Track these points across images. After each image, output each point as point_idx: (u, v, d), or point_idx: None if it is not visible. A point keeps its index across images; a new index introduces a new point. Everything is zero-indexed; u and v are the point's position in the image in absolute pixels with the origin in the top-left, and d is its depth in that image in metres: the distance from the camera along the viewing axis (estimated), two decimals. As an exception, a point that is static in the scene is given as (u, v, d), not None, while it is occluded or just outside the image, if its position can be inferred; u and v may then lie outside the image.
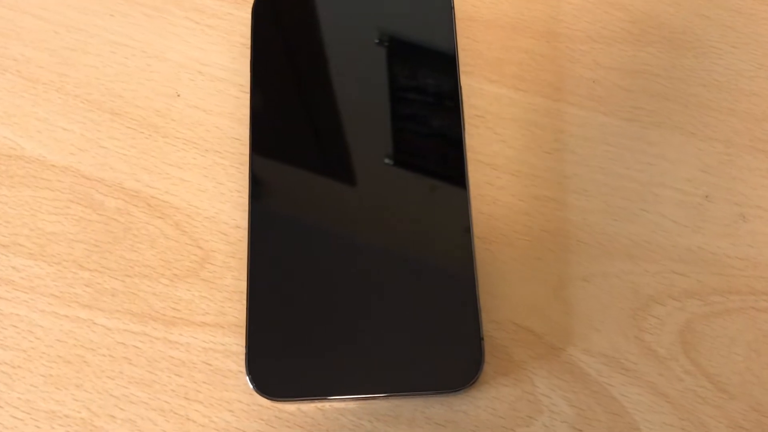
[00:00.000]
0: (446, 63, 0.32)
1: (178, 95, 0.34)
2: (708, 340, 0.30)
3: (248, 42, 0.34)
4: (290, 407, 0.29)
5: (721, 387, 0.29)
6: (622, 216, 0.31)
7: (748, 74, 0.33)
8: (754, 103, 0.33)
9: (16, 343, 0.30)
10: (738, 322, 0.30)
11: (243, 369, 0.29)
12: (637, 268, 0.30)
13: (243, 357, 0.29)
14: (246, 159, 0.33)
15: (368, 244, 0.30)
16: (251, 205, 0.30)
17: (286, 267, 0.29)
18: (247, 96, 0.33)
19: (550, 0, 0.35)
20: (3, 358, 0.30)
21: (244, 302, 0.30)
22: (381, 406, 0.29)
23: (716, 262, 0.31)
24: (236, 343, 0.30)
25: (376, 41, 0.33)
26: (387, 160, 0.31)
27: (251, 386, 0.28)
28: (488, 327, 0.30)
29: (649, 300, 0.30)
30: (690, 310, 0.30)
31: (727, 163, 0.32)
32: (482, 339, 0.28)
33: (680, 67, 0.34)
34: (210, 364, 0.30)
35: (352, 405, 0.29)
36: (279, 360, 0.28)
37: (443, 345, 0.28)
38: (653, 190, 0.32)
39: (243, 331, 0.30)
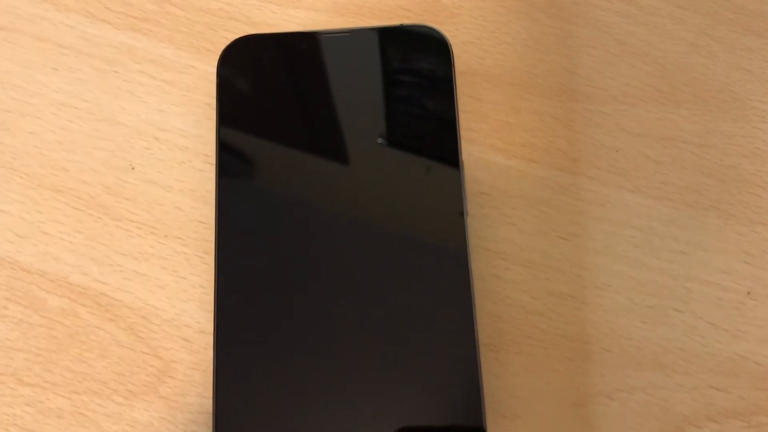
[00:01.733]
0: (446, 130, 0.27)
1: (132, 168, 0.29)
2: (751, 469, 0.25)
3: (213, 101, 0.29)
4: None
5: None
6: (651, 317, 0.27)
7: (796, 142, 0.29)
8: (804, 178, 0.28)
9: (-56, 476, 0.26)
10: (786, 447, 0.26)
11: (210, 508, 0.25)
12: (668, 381, 0.26)
13: (210, 493, 0.25)
14: (212, 247, 0.28)
15: (354, 341, 0.25)
16: (217, 305, 0.26)
17: (260, 381, 0.25)
18: (213, 169, 0.29)
19: (565, 51, 0.30)
20: (-72, 498, 0.26)
21: (211, 425, 0.25)
22: None
23: (761, 375, 0.26)
24: (202, 475, 0.26)
25: (362, 102, 0.28)
26: (379, 247, 0.26)
27: None
28: (496, 455, 0.26)
29: (683, 421, 0.26)
30: (730, 432, 0.26)
31: (773, 253, 0.28)
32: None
33: (717, 132, 0.29)
34: (172, 499, 0.26)
35: None
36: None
37: None
38: (687, 284, 0.27)
39: (210, 461, 0.25)
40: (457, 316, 0.25)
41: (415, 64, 0.28)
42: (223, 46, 0.29)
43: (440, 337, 0.25)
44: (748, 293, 0.27)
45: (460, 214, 0.26)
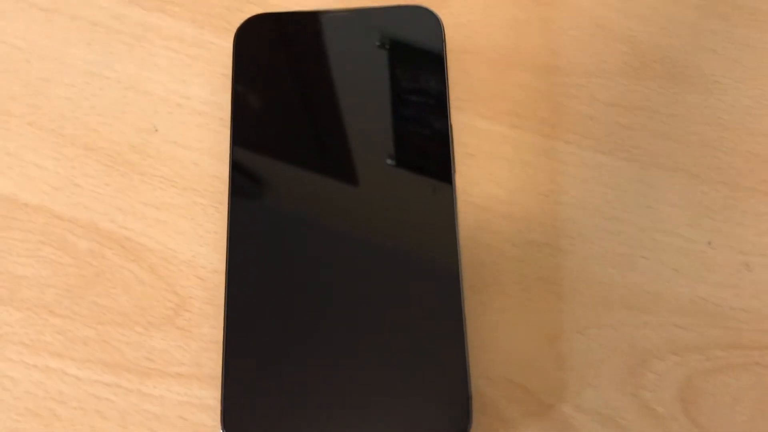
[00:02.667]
0: (437, 98, 0.31)
1: (156, 130, 0.33)
2: (710, 398, 0.28)
3: (230, 73, 0.33)
4: (268, 467, 0.28)
5: (722, 450, 0.27)
6: (621, 264, 0.30)
7: (755, 112, 0.32)
8: (761, 143, 0.31)
9: (-18, 394, 0.29)
10: (742, 379, 0.28)
11: (218, 424, 0.28)
12: (635, 320, 0.29)
13: (219, 411, 0.28)
14: (226, 199, 0.31)
15: (351, 293, 0.28)
16: (229, 248, 0.29)
17: (264, 317, 0.28)
18: (227, 131, 0.32)
19: (547, 32, 0.33)
20: (-33, 412, 0.29)
21: (221, 353, 0.28)
22: (364, 466, 0.28)
23: (719, 315, 0.29)
24: (212, 397, 0.29)
25: (363, 74, 0.31)
26: (374, 200, 0.29)
27: (226, 444, 0.26)
28: (478, 383, 0.28)
29: (648, 354, 0.29)
30: (691, 366, 0.28)
31: (732, 208, 0.30)
32: (470, 397, 0.26)
33: (683, 103, 0.32)
34: (185, 419, 0.28)
35: (333, 465, 0.28)
36: (256, 416, 0.27)
37: (429, 403, 0.27)
38: (653, 236, 0.30)
39: (219, 383, 0.28)
40: (445, 264, 0.28)
41: (411, 39, 0.32)
42: (237, 24, 0.32)
43: (427, 282, 0.28)
44: (709, 243, 0.30)
45: (449, 173, 0.30)
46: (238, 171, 0.30)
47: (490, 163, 0.31)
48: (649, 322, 0.29)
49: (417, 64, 0.31)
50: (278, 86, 0.31)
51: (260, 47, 0.32)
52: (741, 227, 0.30)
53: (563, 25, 0.34)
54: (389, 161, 0.30)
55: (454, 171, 0.30)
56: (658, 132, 0.32)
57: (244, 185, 0.30)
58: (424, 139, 0.30)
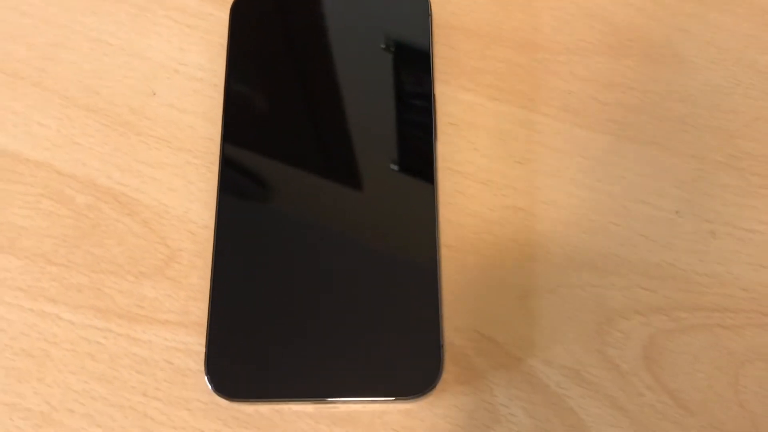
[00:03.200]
0: (421, 69, 0.32)
1: (154, 94, 0.34)
2: (671, 357, 0.29)
3: (224, 42, 0.34)
4: (248, 408, 0.29)
5: (681, 404, 0.29)
6: (592, 229, 0.31)
7: (725, 90, 0.33)
8: (730, 120, 0.33)
9: (-20, 334, 0.31)
10: (702, 339, 0.29)
11: (202, 368, 0.29)
12: (603, 281, 0.30)
13: (203, 356, 0.29)
14: (217, 159, 0.33)
15: (331, 248, 0.30)
16: (218, 205, 0.30)
17: (249, 270, 0.29)
18: (222, 96, 0.33)
19: (530, 10, 0.35)
20: (-34, 349, 0.30)
21: (207, 302, 0.30)
22: (339, 410, 0.29)
23: (684, 279, 0.30)
24: (198, 343, 0.30)
25: (352, 45, 0.33)
26: (356, 163, 0.31)
27: (209, 386, 0.28)
28: (451, 335, 0.30)
29: (614, 314, 0.30)
30: (655, 326, 0.30)
31: (700, 180, 0.32)
32: (442, 347, 0.28)
33: (657, 81, 0.34)
34: (171, 363, 0.30)
35: (309, 408, 0.29)
36: (238, 361, 0.28)
37: (403, 352, 0.28)
38: (624, 204, 0.31)
39: (204, 330, 0.30)
40: (422, 223, 0.30)
41: (399, 15, 0.33)
42: (237, -3, 0.34)
43: (405, 239, 0.30)
44: (677, 212, 0.31)
45: (430, 139, 0.31)
46: (229, 135, 0.31)
47: (471, 132, 0.33)
48: (616, 284, 0.30)
49: (405, 38, 0.33)
50: (270, 56, 0.33)
51: (255, 19, 0.34)
52: (708, 197, 0.31)
53: (545, 4, 0.35)
54: (375, 128, 0.32)
55: (436, 138, 0.31)
56: (632, 107, 0.33)
57: (234, 149, 0.31)
58: (408, 108, 0.32)
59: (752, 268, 0.30)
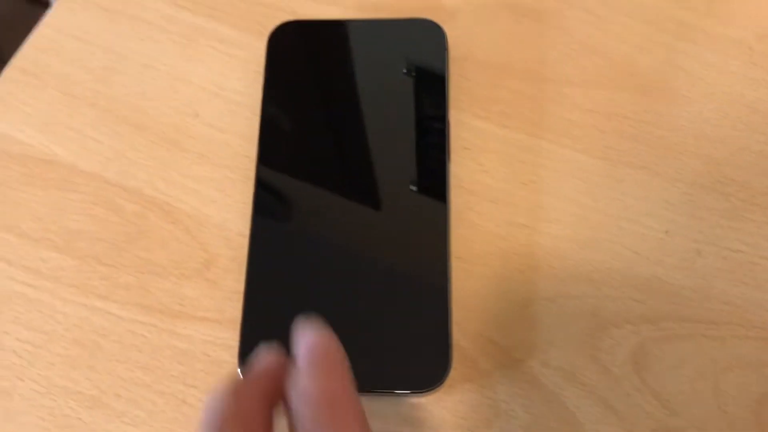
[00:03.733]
0: (438, 96, 0.36)
1: (197, 115, 0.38)
2: (658, 362, 0.32)
3: (263, 70, 0.38)
4: (275, 398, 0.33)
5: (666, 404, 0.32)
6: (588, 245, 0.34)
7: (713, 122, 0.37)
8: (717, 149, 0.36)
9: (39, 325, 0.34)
10: (687, 347, 0.33)
11: (236, 360, 0.32)
12: (598, 292, 0.34)
13: (237, 350, 0.32)
14: (253, 174, 0.36)
15: (354, 257, 0.33)
16: (253, 216, 0.34)
17: (279, 274, 0.33)
18: (258, 118, 0.37)
19: (537, 45, 0.39)
20: (27, 338, 0.34)
21: (241, 302, 0.33)
22: (357, 402, 0.32)
23: (671, 292, 0.33)
24: (232, 338, 0.34)
25: (376, 74, 0.37)
26: (377, 181, 0.35)
27: (241, 377, 0.31)
28: (459, 337, 0.33)
29: (607, 322, 0.33)
30: (643, 334, 0.33)
31: (688, 203, 0.35)
32: (450, 347, 0.31)
33: (651, 112, 0.37)
34: (208, 355, 0.33)
35: (330, 399, 0.32)
36: (268, 355, 0.32)
37: (416, 351, 0.31)
38: (618, 223, 0.35)
39: (238, 327, 0.33)
40: (436, 236, 0.33)
41: (417, 46, 0.37)
42: (270, 29, 0.38)
43: (421, 250, 0.33)
44: (666, 232, 0.35)
45: (443, 162, 0.35)
46: (263, 155, 0.35)
47: (482, 155, 0.36)
48: (609, 295, 0.33)
49: (423, 68, 0.37)
50: (301, 82, 0.37)
51: (289, 49, 0.38)
52: (695, 219, 0.35)
53: (551, 40, 0.39)
54: (395, 149, 0.35)
55: (449, 159, 0.35)
56: (627, 135, 0.36)
57: (268, 167, 0.35)
58: (425, 132, 0.35)
59: (734, 284, 0.33)
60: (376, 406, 0.32)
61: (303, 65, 0.37)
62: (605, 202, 0.35)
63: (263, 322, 0.32)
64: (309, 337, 0.24)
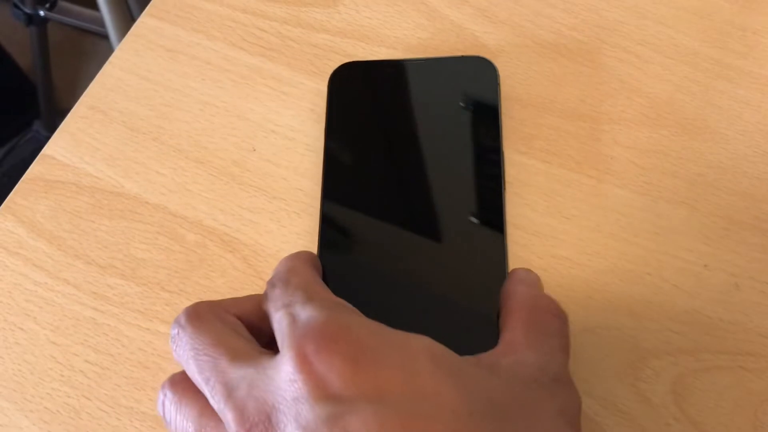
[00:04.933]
0: (492, 130, 0.38)
1: (254, 150, 0.40)
2: (697, 393, 0.33)
3: (315, 108, 0.40)
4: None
5: (705, 434, 0.33)
6: (628, 278, 0.36)
7: (751, 159, 0.38)
8: (755, 186, 0.37)
9: (106, 348, 0.36)
10: (725, 379, 0.34)
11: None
12: (637, 324, 0.35)
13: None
14: (307, 207, 0.38)
15: (416, 285, 0.35)
16: (319, 251, 0.35)
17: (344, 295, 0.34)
18: (312, 153, 0.39)
19: (578, 84, 0.40)
20: (95, 360, 0.36)
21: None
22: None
23: (710, 325, 0.34)
24: (286, 363, 0.35)
25: (433, 111, 0.39)
26: (437, 213, 0.36)
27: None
28: (502, 366, 0.34)
29: (647, 353, 0.34)
30: (683, 365, 0.34)
31: (726, 237, 0.36)
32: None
33: (690, 149, 0.38)
34: (263, 379, 0.35)
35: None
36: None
37: None
38: (658, 257, 0.36)
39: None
40: (494, 267, 0.35)
41: (471, 82, 0.39)
42: (325, 70, 0.40)
43: (479, 278, 0.34)
44: (705, 266, 0.36)
45: (500, 193, 0.36)
46: (328, 191, 0.37)
47: (524, 190, 0.38)
48: (649, 327, 0.35)
49: (478, 103, 0.38)
50: (361, 119, 0.39)
51: (349, 88, 0.40)
52: (734, 254, 0.36)
53: (593, 80, 0.40)
54: (455, 181, 0.37)
55: (504, 191, 0.36)
56: (667, 171, 0.38)
57: (331, 201, 0.37)
58: (481, 165, 0.37)
59: (772, 317, 0.34)
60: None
61: (363, 103, 0.40)
62: (645, 237, 0.36)
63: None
64: None
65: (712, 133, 0.38)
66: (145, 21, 0.44)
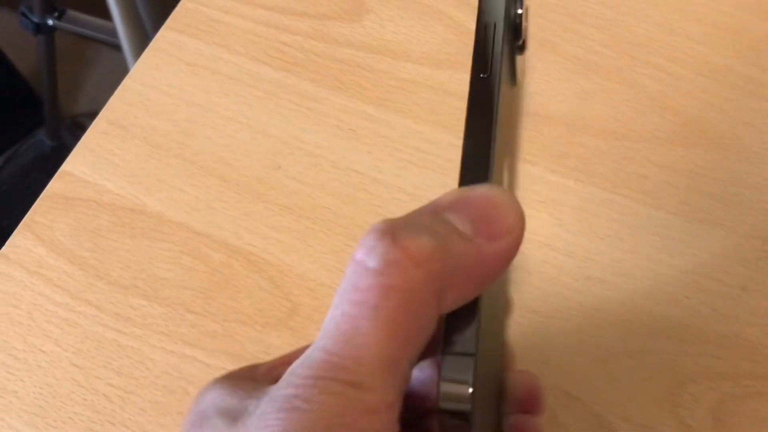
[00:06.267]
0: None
1: (279, 167, 0.39)
2: (738, 419, 0.33)
3: (341, 124, 0.40)
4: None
5: (748, 463, 0.32)
6: (666, 300, 0.35)
7: (787, 179, 0.37)
8: (792, 206, 0.36)
9: (129, 371, 0.35)
10: (767, 405, 0.33)
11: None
12: (676, 348, 0.34)
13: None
14: (334, 226, 0.37)
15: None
16: None
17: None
18: (338, 171, 0.38)
19: (610, 101, 0.40)
20: (118, 384, 0.35)
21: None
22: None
23: (750, 349, 0.34)
24: (316, 387, 0.34)
25: None
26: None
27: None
28: (538, 391, 0.34)
29: (686, 379, 0.33)
30: (723, 391, 0.33)
31: (764, 259, 0.35)
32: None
33: (724, 168, 0.38)
34: (292, 404, 0.34)
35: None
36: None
37: None
38: (695, 279, 0.35)
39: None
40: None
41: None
42: (349, 86, 0.39)
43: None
44: (743, 288, 0.35)
45: None
46: None
47: (557, 209, 0.37)
48: (687, 351, 0.34)
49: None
50: None
51: None
52: (772, 276, 0.35)
53: (624, 97, 0.40)
54: None
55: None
56: (701, 191, 0.37)
57: None
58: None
59: (813, 341, 0.34)
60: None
61: None
62: (681, 258, 0.36)
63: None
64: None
65: (746, 152, 0.38)
66: (165, 34, 0.44)
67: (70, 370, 0.36)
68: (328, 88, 0.41)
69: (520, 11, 0.25)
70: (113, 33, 0.71)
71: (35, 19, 0.79)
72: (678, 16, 0.41)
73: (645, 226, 0.36)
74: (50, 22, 0.81)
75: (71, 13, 0.81)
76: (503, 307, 0.28)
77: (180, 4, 0.44)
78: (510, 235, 0.19)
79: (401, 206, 0.38)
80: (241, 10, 0.44)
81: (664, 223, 0.36)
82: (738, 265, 0.35)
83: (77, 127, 1.20)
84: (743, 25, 0.41)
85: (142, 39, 0.74)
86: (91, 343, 0.36)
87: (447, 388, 0.19)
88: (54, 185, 0.40)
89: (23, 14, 0.81)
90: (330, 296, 0.35)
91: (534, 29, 0.42)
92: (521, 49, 0.27)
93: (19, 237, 0.39)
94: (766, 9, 0.40)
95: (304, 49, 0.43)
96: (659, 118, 0.39)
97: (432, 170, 0.39)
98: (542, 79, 0.40)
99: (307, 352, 0.19)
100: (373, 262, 0.18)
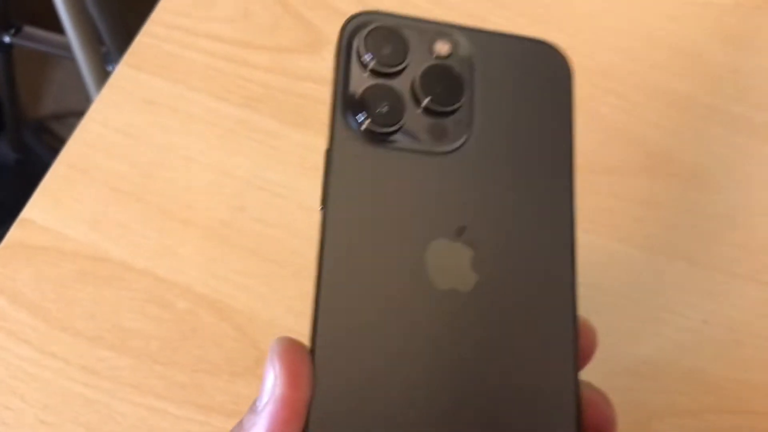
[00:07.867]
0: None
1: (243, 209, 0.39)
2: (702, 455, 0.33)
3: (304, 162, 0.39)
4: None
5: (712, 499, 0.33)
6: (629, 336, 0.35)
7: (748, 210, 0.37)
8: (755, 238, 0.37)
9: (98, 426, 0.35)
10: (730, 439, 0.34)
11: (292, 460, 0.33)
12: (641, 385, 0.34)
13: (292, 450, 0.33)
14: (301, 269, 0.37)
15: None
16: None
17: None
18: (303, 211, 0.38)
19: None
20: (88, 441, 0.35)
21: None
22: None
23: (712, 383, 0.34)
24: (287, 437, 0.35)
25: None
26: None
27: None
28: None
29: (651, 415, 0.34)
30: (687, 427, 0.34)
31: (726, 293, 0.36)
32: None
33: (687, 199, 0.38)
34: (263, 454, 0.34)
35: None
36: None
37: None
38: (658, 314, 0.36)
39: (293, 426, 0.34)
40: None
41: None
42: (311, 121, 0.39)
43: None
44: (705, 322, 0.35)
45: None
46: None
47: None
48: (651, 388, 0.34)
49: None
50: None
51: None
52: (734, 309, 0.36)
53: (587, 128, 0.39)
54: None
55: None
56: (665, 223, 0.37)
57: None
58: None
59: (774, 373, 0.34)
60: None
61: None
62: (644, 293, 0.36)
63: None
64: None
65: (709, 183, 0.38)
66: (122, 71, 0.43)
67: (38, 427, 0.35)
68: (290, 124, 0.41)
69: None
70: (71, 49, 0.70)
71: (-9, 37, 0.77)
72: (640, 44, 0.41)
73: (608, 262, 0.37)
74: (7, 39, 0.79)
75: (28, 29, 0.79)
76: None
77: (137, 39, 0.43)
78: None
79: (367, 247, 0.38)
80: (199, 44, 0.43)
81: (628, 257, 0.37)
82: (700, 299, 0.36)
83: (42, 131, 1.17)
84: (705, 52, 0.41)
85: (97, 55, 0.72)
86: (59, 398, 0.36)
87: None
88: (14, 233, 0.39)
89: (-22, 33, 0.79)
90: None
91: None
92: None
93: (-21, 290, 0.38)
94: (729, 36, 0.41)
95: (264, 83, 0.42)
96: (623, 150, 0.39)
97: (397, 208, 0.39)
98: (505, 111, 0.40)
99: None
100: None
